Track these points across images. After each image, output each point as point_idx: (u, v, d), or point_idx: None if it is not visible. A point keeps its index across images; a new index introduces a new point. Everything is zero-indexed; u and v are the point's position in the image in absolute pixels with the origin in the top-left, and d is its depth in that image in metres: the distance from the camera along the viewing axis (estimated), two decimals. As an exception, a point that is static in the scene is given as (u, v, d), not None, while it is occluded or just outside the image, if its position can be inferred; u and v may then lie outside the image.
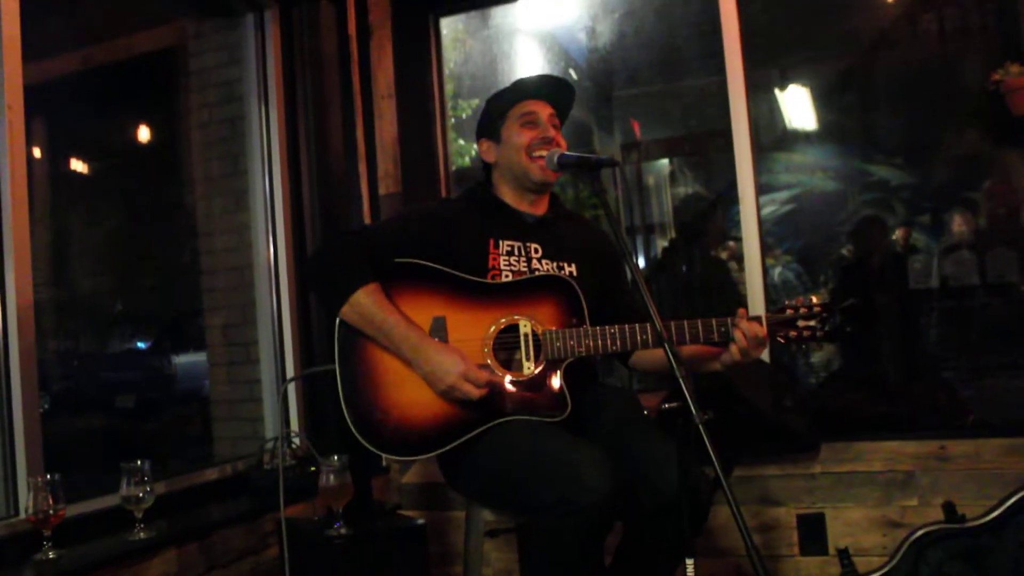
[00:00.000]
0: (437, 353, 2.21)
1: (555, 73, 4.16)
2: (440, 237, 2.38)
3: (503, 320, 2.30)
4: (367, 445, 2.25)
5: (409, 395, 2.26)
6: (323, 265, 2.37)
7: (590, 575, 2.11)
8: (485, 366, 2.26)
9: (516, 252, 2.40)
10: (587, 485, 1.98)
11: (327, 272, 2.34)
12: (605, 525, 2.07)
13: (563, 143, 2.45)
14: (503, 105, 2.48)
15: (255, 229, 3.46)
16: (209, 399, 3.78)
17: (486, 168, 2.56)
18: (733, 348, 2.19)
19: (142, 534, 2.46)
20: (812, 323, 2.21)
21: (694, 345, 2.26)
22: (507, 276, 2.36)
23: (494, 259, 2.37)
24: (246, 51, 3.47)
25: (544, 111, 2.45)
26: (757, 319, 2.21)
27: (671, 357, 1.87)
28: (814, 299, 2.24)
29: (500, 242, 2.40)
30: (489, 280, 2.35)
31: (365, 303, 2.24)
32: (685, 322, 2.21)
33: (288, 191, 3.40)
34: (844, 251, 5.27)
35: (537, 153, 2.40)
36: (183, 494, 2.89)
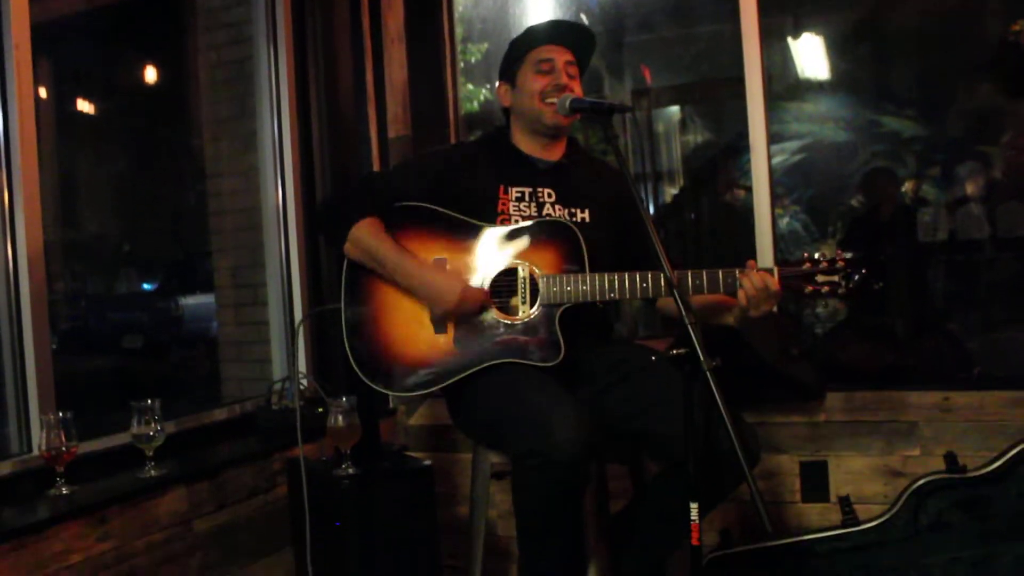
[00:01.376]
0: (433, 278, 2.27)
1: (566, 18, 4.13)
2: (450, 181, 2.39)
3: (503, 264, 2.31)
4: (366, 380, 2.32)
5: (408, 333, 2.32)
6: (328, 208, 2.47)
7: (565, 525, 2.15)
8: (482, 308, 2.29)
9: (527, 198, 2.40)
10: (556, 439, 2.00)
11: (331, 214, 2.41)
12: (576, 478, 2.08)
13: (579, 91, 2.43)
14: (520, 49, 2.47)
15: (263, 171, 3.45)
16: (217, 340, 3.81)
17: (504, 112, 2.55)
18: (741, 296, 2.16)
19: (153, 472, 2.50)
20: (835, 278, 2.15)
21: (713, 295, 2.23)
22: (517, 221, 2.37)
23: (503, 204, 2.38)
24: (255, -10, 3.43)
25: (561, 57, 2.42)
26: (768, 271, 2.16)
27: (680, 304, 1.87)
28: (839, 253, 2.17)
29: (510, 188, 2.40)
30: (498, 224, 2.35)
31: (361, 236, 2.30)
32: (689, 271, 2.19)
33: (297, 133, 3.38)
34: (853, 202, 5.24)
35: (550, 99, 2.39)
36: (192, 433, 2.92)
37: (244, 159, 3.53)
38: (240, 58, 3.54)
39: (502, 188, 2.40)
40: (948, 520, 2.75)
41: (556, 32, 2.47)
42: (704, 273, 2.19)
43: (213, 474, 2.71)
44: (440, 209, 2.36)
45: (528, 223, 2.36)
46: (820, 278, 2.16)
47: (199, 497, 2.64)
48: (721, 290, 2.19)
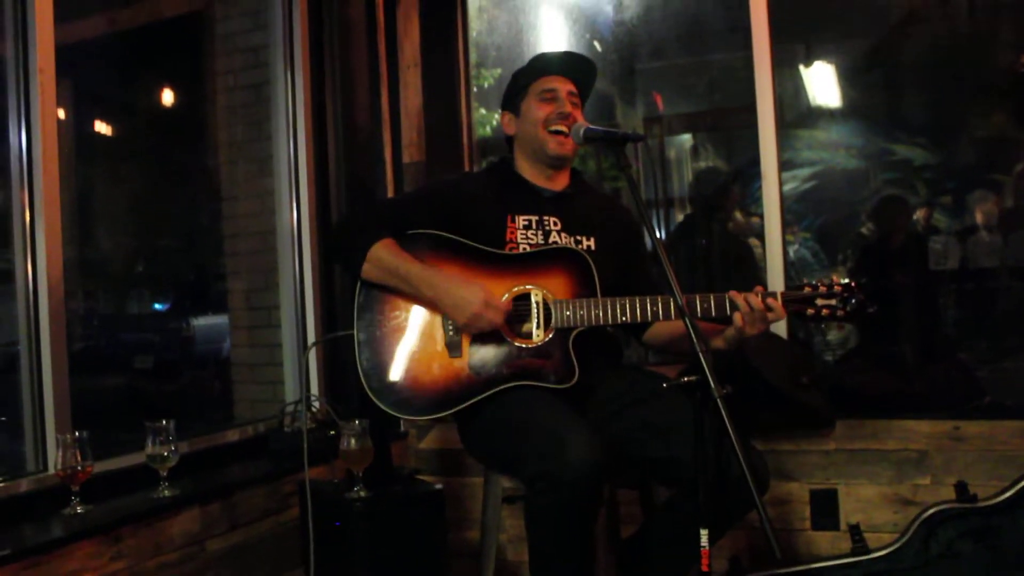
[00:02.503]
0: (458, 286, 2.27)
1: (580, 45, 4.17)
2: (459, 210, 2.43)
3: (516, 289, 2.34)
4: (379, 404, 2.33)
5: (423, 358, 2.34)
6: (342, 234, 2.48)
7: (577, 548, 2.15)
8: (496, 332, 2.31)
9: (533, 226, 2.44)
10: (569, 460, 2.01)
11: (346, 239, 2.42)
12: (589, 501, 2.09)
13: (581, 119, 2.46)
14: (524, 79, 2.52)
15: (279, 194, 3.48)
16: (229, 361, 3.83)
17: (508, 141, 2.59)
18: (736, 317, 2.21)
19: (167, 492, 2.52)
20: (832, 302, 2.23)
21: (701, 322, 2.28)
22: (524, 249, 2.41)
23: (511, 232, 2.42)
24: (273, 17, 3.48)
25: (564, 87, 2.47)
26: (773, 295, 2.23)
27: (691, 330, 1.89)
28: (835, 278, 2.26)
29: (517, 217, 2.44)
30: (507, 252, 2.38)
31: (382, 255, 2.32)
32: (697, 296, 2.24)
33: (312, 157, 3.42)
34: (864, 230, 5.24)
35: (554, 128, 2.43)
36: (205, 454, 2.94)
37: (260, 182, 3.57)
38: (258, 82, 3.59)
39: (509, 217, 2.44)
40: (958, 549, 2.74)
41: (559, 63, 2.52)
42: (711, 296, 2.24)
43: (226, 495, 2.72)
44: (452, 236, 2.39)
45: (540, 250, 2.39)
46: (819, 302, 2.25)
47: (212, 518, 2.65)
48: (727, 313, 2.23)
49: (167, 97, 4.66)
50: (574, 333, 2.30)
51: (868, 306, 2.22)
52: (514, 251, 2.40)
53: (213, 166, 3.96)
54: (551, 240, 2.44)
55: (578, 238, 2.48)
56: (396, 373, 2.34)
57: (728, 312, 2.23)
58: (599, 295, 2.31)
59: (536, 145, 2.47)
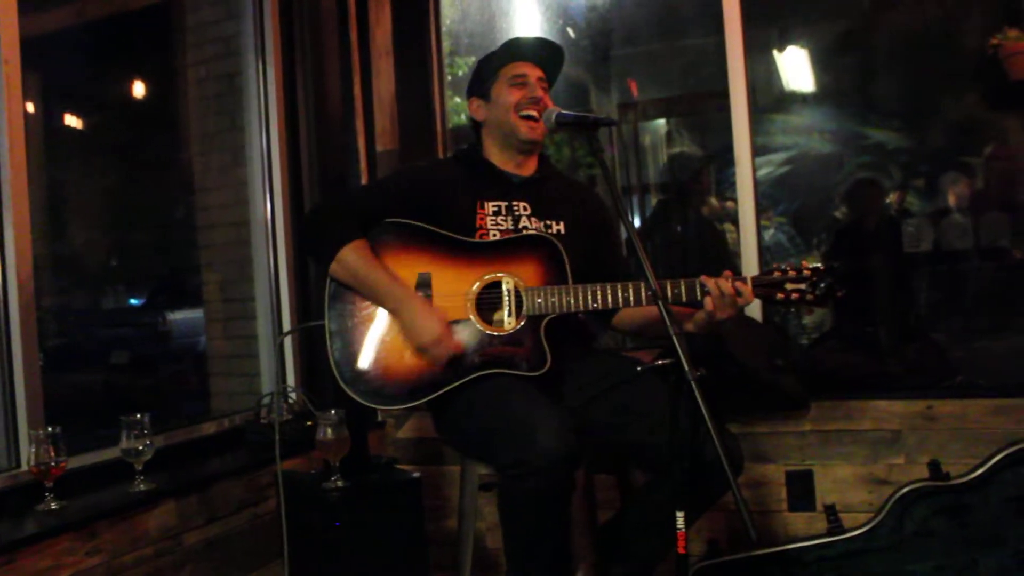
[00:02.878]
0: (420, 312, 2.28)
1: (553, 31, 4.17)
2: (429, 197, 2.42)
3: (487, 277, 2.34)
4: (351, 394, 2.32)
5: (393, 347, 2.33)
6: (313, 225, 2.46)
7: (551, 534, 2.16)
8: (467, 321, 2.31)
9: (503, 212, 2.44)
10: (540, 447, 2.02)
11: (317, 231, 2.41)
12: (560, 487, 2.10)
13: (551, 105, 2.46)
14: (494, 65, 2.51)
15: (252, 185, 3.47)
16: (206, 355, 3.81)
17: (475, 127, 2.58)
18: (707, 301, 2.21)
19: (142, 486, 2.51)
20: (802, 286, 2.23)
21: (673, 306, 2.28)
22: (495, 235, 2.41)
23: (481, 219, 2.42)
24: (243, 6, 3.45)
25: (534, 73, 2.47)
26: (743, 279, 2.24)
27: (664, 314, 1.90)
28: (804, 263, 2.27)
29: (486, 203, 2.44)
30: (477, 239, 2.38)
31: (351, 259, 2.31)
32: (667, 281, 2.23)
33: (285, 147, 3.41)
34: (838, 213, 5.27)
35: (525, 112, 2.44)
36: (182, 447, 2.93)
37: (233, 173, 3.55)
38: (229, 72, 3.56)
39: (479, 203, 2.44)
40: (932, 527, 2.77)
41: (529, 49, 2.52)
42: (682, 282, 2.24)
43: (202, 488, 2.71)
44: (422, 224, 2.39)
45: (510, 237, 2.39)
46: (789, 286, 2.24)
47: (189, 511, 2.64)
48: (698, 298, 2.23)
49: (138, 89, 4.62)
50: (546, 320, 2.30)
51: (837, 289, 2.22)
52: (484, 237, 2.40)
53: (185, 158, 3.93)
54: (521, 225, 2.44)
55: (548, 222, 2.48)
56: (368, 363, 2.33)
57: (698, 297, 2.23)
58: (570, 281, 2.31)
59: (507, 130, 2.47)
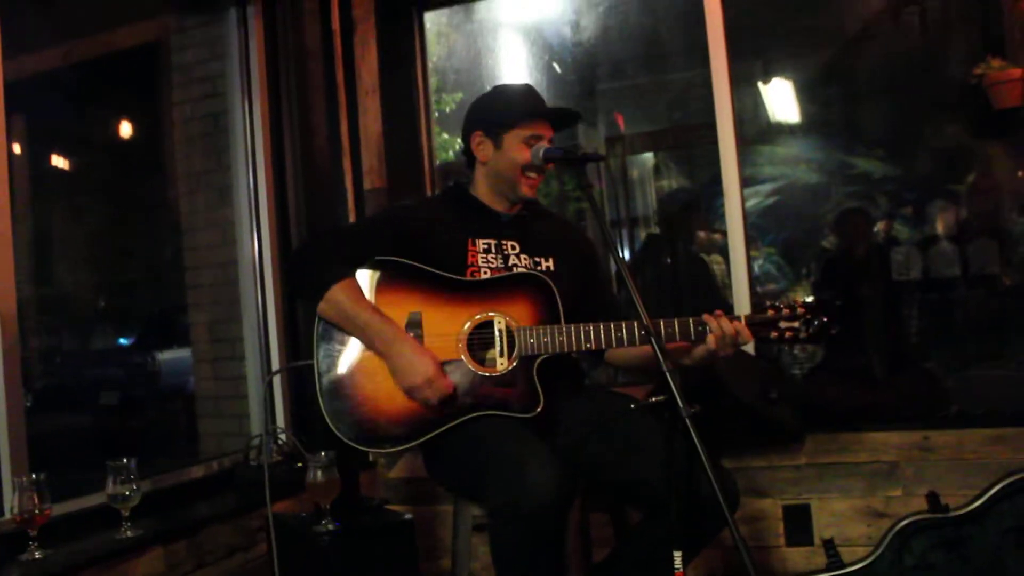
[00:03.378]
0: (410, 353, 2.24)
1: (539, 67, 4.19)
2: (419, 235, 2.40)
3: (478, 316, 2.32)
4: (342, 438, 2.28)
5: (383, 388, 2.29)
6: (301, 263, 2.42)
7: (545, 574, 2.12)
8: (459, 361, 2.29)
9: (493, 250, 2.43)
10: (531, 488, 1.99)
11: (305, 269, 2.37)
12: (551, 530, 2.07)
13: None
14: (514, 115, 2.43)
15: (239, 225, 3.45)
16: (194, 396, 3.77)
17: (470, 160, 2.55)
18: (709, 339, 2.20)
19: (129, 532, 2.46)
20: (795, 324, 2.22)
21: (668, 342, 2.27)
22: (486, 272, 2.39)
23: (473, 256, 2.40)
24: (229, 46, 3.46)
25: (547, 135, 2.44)
26: (738, 319, 2.23)
27: (657, 351, 1.88)
28: (797, 300, 2.26)
29: (477, 240, 2.43)
30: (468, 277, 2.36)
31: (340, 299, 2.28)
32: (662, 320, 2.22)
33: (272, 186, 3.40)
34: (825, 243, 5.29)
35: (530, 173, 2.42)
36: (169, 491, 2.88)
37: (220, 213, 3.53)
38: (215, 112, 3.56)
39: (470, 241, 2.42)
40: (932, 560, 2.74)
41: (554, 116, 2.48)
42: (676, 322, 2.23)
43: (191, 533, 2.67)
44: (412, 263, 2.36)
45: (502, 276, 2.38)
46: (783, 324, 2.23)
47: (177, 557, 2.60)
48: (692, 338, 2.22)
49: (124, 129, 4.61)
50: (539, 360, 2.28)
51: (831, 327, 2.22)
52: (475, 275, 2.38)
53: (172, 198, 3.91)
54: (510, 263, 2.43)
55: (536, 259, 2.47)
56: (358, 406, 2.29)
57: (692, 337, 2.22)
58: (562, 321, 2.30)
59: (508, 182, 2.45)
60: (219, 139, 3.53)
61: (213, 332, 3.59)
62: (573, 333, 2.25)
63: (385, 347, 2.26)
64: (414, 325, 2.31)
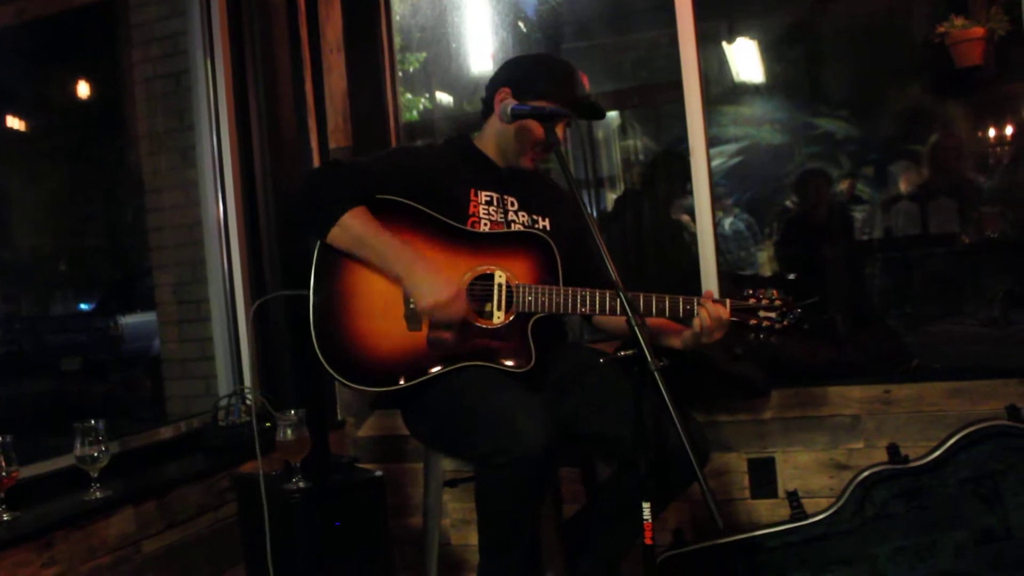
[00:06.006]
0: (432, 272, 2.24)
1: (505, 26, 4.17)
2: (424, 179, 2.39)
3: (479, 268, 2.33)
4: (330, 370, 2.26)
5: (381, 326, 2.29)
6: (310, 192, 2.34)
7: (528, 526, 2.16)
8: None
9: (495, 203, 2.45)
10: (522, 437, 2.02)
11: (314, 198, 2.31)
12: (542, 476, 2.11)
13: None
14: (549, 92, 2.40)
15: (203, 185, 3.41)
16: (160, 358, 3.74)
17: (487, 109, 2.52)
18: (696, 324, 2.25)
19: (98, 493, 2.45)
20: (772, 315, 2.28)
21: (659, 318, 2.31)
22: (486, 225, 2.41)
23: (474, 207, 2.41)
24: (190, 3, 3.39)
25: (566, 121, 2.45)
26: (721, 302, 2.28)
27: (626, 305, 1.90)
28: (775, 292, 2.30)
29: (480, 192, 2.43)
30: (468, 227, 2.36)
31: (354, 223, 2.25)
32: (653, 296, 2.27)
33: (237, 146, 3.35)
34: (787, 203, 5.33)
35: (538, 149, 2.45)
36: (138, 453, 2.87)
37: (183, 173, 3.49)
38: (177, 71, 3.50)
39: (472, 191, 2.43)
40: (892, 510, 2.81)
41: (584, 106, 2.48)
42: (667, 299, 2.27)
43: (161, 494, 2.66)
44: (418, 206, 2.35)
45: (505, 231, 2.40)
46: (762, 313, 2.30)
47: (147, 518, 2.59)
48: (680, 316, 2.26)
49: (82, 89, 4.53)
50: (534, 318, 2.31)
51: (804, 323, 2.29)
52: (476, 226, 2.39)
53: (134, 159, 3.86)
54: (510, 218, 2.45)
55: (535, 217, 2.49)
56: (351, 340, 2.28)
57: (680, 315, 2.26)
58: (560, 282, 2.33)
59: (515, 150, 2.46)
60: (181, 99, 3.47)
61: (178, 294, 3.56)
62: (570, 296, 2.29)
63: (406, 268, 2.24)
64: None
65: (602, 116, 2.58)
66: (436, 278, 2.22)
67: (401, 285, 2.28)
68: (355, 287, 2.31)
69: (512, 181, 2.50)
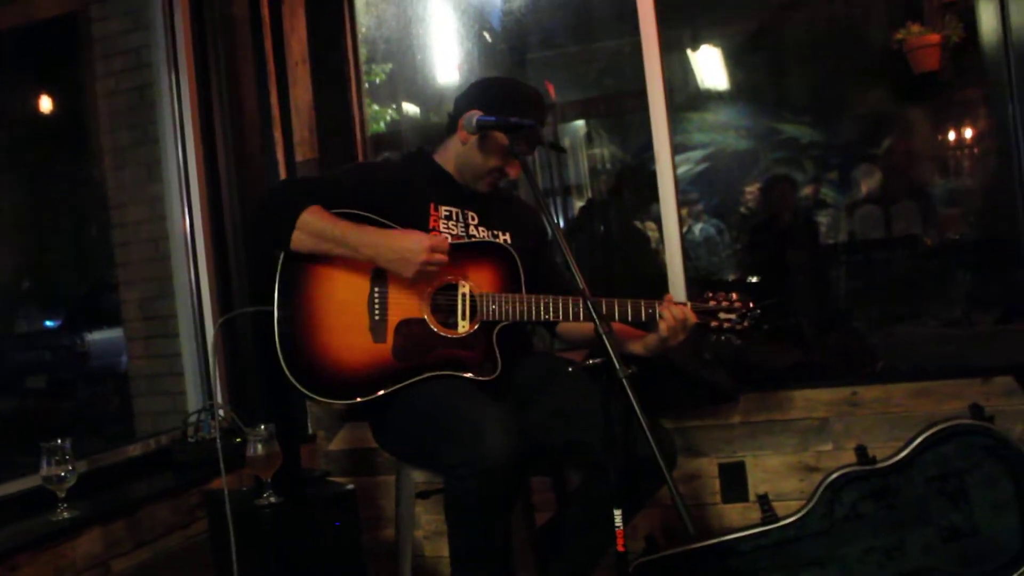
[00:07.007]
0: (399, 238, 2.24)
1: (470, 36, 4.18)
2: (384, 195, 2.39)
3: (443, 279, 2.33)
4: (297, 384, 2.25)
5: (346, 339, 2.29)
6: (266, 205, 2.36)
7: (498, 537, 2.16)
8: (422, 320, 2.31)
9: (454, 217, 2.45)
10: (488, 447, 2.02)
11: (271, 211, 2.31)
12: (509, 487, 2.11)
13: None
14: (512, 116, 2.35)
15: (169, 200, 3.38)
16: (127, 375, 3.70)
17: (450, 127, 2.51)
18: (663, 327, 2.27)
19: (66, 514, 2.42)
20: (732, 316, 2.33)
21: (619, 325, 2.34)
22: (446, 239, 2.39)
23: (434, 221, 2.42)
24: (153, 16, 3.37)
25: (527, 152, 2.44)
26: (682, 304, 2.31)
27: (594, 313, 1.91)
28: (735, 295, 2.34)
29: (440, 206, 2.44)
30: None
31: (312, 220, 2.24)
32: (615, 300, 2.29)
33: (202, 160, 3.32)
34: (743, 209, 5.39)
35: (495, 175, 2.45)
36: (106, 471, 2.84)
37: (149, 188, 3.46)
38: (140, 84, 3.48)
39: (432, 205, 2.43)
40: (861, 511, 2.84)
41: (538, 142, 2.46)
42: (628, 303, 2.29)
43: (129, 512, 2.63)
44: (379, 218, 2.35)
45: (466, 242, 2.40)
46: (722, 315, 2.34)
47: (116, 536, 2.56)
48: (643, 320, 2.28)
49: (44, 103, 4.48)
50: (498, 327, 2.33)
51: (764, 323, 2.34)
52: None
53: (98, 174, 3.82)
54: (470, 232, 2.45)
55: (495, 232, 2.50)
56: (317, 354, 2.28)
57: (643, 318, 2.29)
58: (523, 291, 2.35)
59: (473, 173, 2.46)
60: (145, 112, 3.44)
61: (145, 310, 3.53)
62: (533, 303, 2.31)
63: (372, 245, 2.24)
64: (378, 279, 2.32)
65: (562, 152, 2.59)
66: (405, 240, 2.23)
67: (373, 266, 2.29)
68: (319, 300, 2.30)
69: (472, 196, 2.51)
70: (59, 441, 2.41)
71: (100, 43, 3.60)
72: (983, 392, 2.94)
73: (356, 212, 2.33)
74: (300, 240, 2.26)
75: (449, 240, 2.30)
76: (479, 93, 2.48)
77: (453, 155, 2.50)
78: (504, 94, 2.47)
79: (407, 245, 2.23)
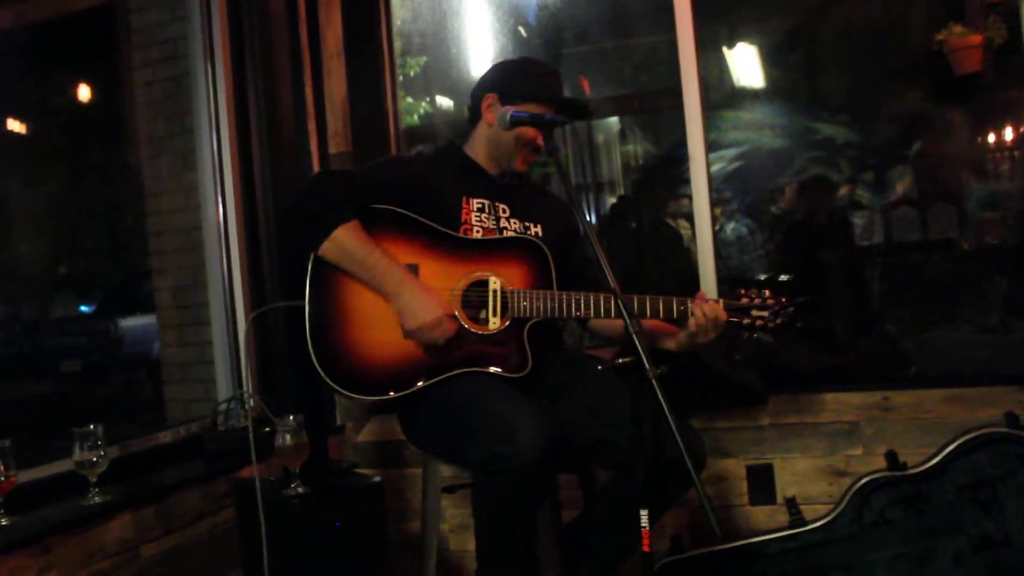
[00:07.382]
0: (419, 293, 2.25)
1: (505, 31, 4.18)
2: (418, 188, 2.40)
3: (475, 274, 2.33)
4: (328, 380, 2.26)
5: (376, 336, 2.29)
6: (304, 204, 2.36)
7: (525, 533, 2.17)
8: (453, 316, 2.30)
9: (486, 210, 2.44)
10: (519, 443, 2.02)
11: (308, 210, 2.32)
12: (538, 483, 2.11)
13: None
14: (534, 92, 2.43)
15: (203, 189, 3.41)
16: (159, 362, 3.75)
17: (473, 117, 2.54)
18: (692, 324, 2.26)
19: (97, 498, 2.45)
20: (764, 314, 2.30)
21: (653, 320, 2.32)
22: (478, 232, 2.41)
23: (466, 214, 2.42)
24: (191, 8, 3.40)
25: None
26: (714, 302, 2.29)
27: (624, 312, 1.90)
28: (767, 292, 2.32)
29: (471, 199, 2.44)
30: (461, 234, 2.37)
31: (346, 238, 2.26)
32: (647, 297, 2.28)
33: (237, 150, 3.35)
34: (774, 208, 5.34)
35: (529, 149, 2.45)
36: (137, 457, 2.88)
37: (183, 177, 3.49)
38: (177, 75, 3.51)
39: (464, 198, 2.44)
40: (890, 517, 2.81)
41: (569, 105, 2.50)
42: (660, 300, 2.28)
43: (159, 498, 2.66)
44: (412, 214, 2.35)
45: (498, 237, 2.40)
46: (755, 312, 2.32)
47: (145, 522, 2.59)
48: (674, 316, 2.27)
49: (83, 93, 4.53)
50: (529, 324, 2.32)
51: (796, 321, 2.31)
52: (468, 232, 2.40)
53: (134, 162, 3.86)
54: (501, 225, 2.45)
55: (526, 224, 2.50)
56: (347, 350, 2.28)
57: (675, 315, 2.27)
58: (555, 287, 2.33)
59: (507, 153, 2.47)
60: (181, 103, 3.48)
61: (178, 298, 3.57)
62: (565, 300, 2.30)
63: (394, 287, 2.25)
64: None
65: (588, 116, 2.59)
66: (422, 300, 2.24)
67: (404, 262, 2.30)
68: (351, 296, 2.31)
69: (503, 188, 2.51)
70: (91, 426, 2.44)
71: (138, 33, 3.64)
72: (1018, 400, 2.90)
73: (392, 209, 2.34)
74: (329, 251, 2.28)
75: (456, 327, 2.28)
76: (492, 78, 2.52)
77: (483, 143, 2.51)
78: (516, 76, 2.50)
79: (422, 306, 2.23)
